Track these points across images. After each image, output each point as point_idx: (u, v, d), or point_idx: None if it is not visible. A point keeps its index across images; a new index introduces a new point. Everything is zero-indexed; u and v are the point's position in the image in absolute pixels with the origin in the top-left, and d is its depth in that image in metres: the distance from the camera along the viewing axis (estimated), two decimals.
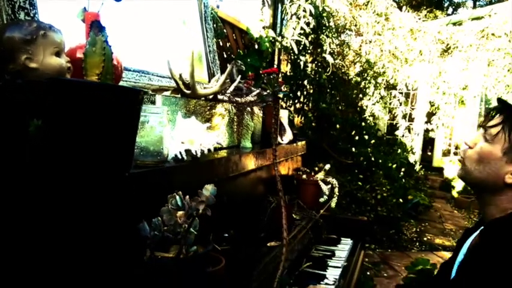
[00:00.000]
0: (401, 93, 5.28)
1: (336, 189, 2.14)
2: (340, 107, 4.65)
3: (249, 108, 1.78)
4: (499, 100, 1.12)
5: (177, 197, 0.78)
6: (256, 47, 2.64)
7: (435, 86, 4.81)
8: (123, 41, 1.46)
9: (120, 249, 0.81)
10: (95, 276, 0.76)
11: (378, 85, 4.67)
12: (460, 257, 1.17)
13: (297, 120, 3.69)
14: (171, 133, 1.17)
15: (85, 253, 0.75)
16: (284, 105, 3.21)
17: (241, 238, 1.44)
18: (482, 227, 1.06)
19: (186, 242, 0.83)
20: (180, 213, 0.78)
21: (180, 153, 1.13)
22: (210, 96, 1.49)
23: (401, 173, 4.85)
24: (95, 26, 0.76)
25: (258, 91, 1.97)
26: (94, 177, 0.75)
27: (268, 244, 1.48)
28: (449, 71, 4.83)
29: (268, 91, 1.91)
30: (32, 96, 0.76)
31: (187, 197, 0.80)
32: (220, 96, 1.60)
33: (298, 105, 3.43)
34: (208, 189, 0.82)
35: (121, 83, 1.32)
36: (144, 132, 1.02)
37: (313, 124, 3.80)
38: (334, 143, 4.36)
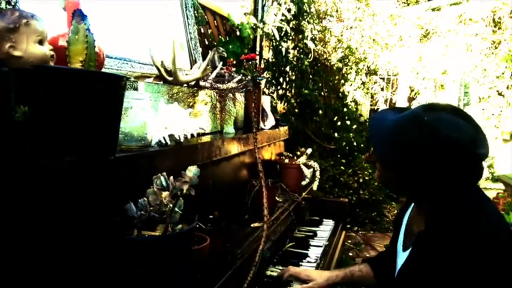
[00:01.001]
0: (383, 78, 5.36)
1: (317, 173, 2.21)
2: (322, 93, 4.71)
3: (231, 95, 1.82)
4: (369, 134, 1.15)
5: (162, 178, 0.82)
6: (238, 33, 2.66)
7: (415, 71, 4.90)
8: (105, 28, 1.47)
9: (108, 229, 0.85)
10: (83, 256, 0.80)
11: (359, 71, 4.74)
12: (400, 246, 1.25)
13: (280, 106, 3.74)
14: (154, 118, 1.20)
15: (73, 234, 0.78)
16: (267, 91, 3.25)
17: (226, 219, 1.50)
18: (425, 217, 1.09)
19: (171, 220, 0.88)
20: (165, 193, 0.82)
21: (164, 138, 1.17)
22: (192, 83, 1.52)
23: None
24: (77, 15, 0.79)
25: (239, 77, 2.00)
26: (80, 161, 0.79)
27: (252, 225, 1.54)
28: (429, 56, 4.92)
29: (248, 77, 1.95)
30: (18, 83, 0.78)
31: (172, 177, 0.84)
32: (202, 83, 1.63)
33: (280, 92, 3.47)
34: (192, 170, 0.87)
35: (103, 70, 1.34)
36: (128, 118, 1.06)
37: (296, 110, 3.86)
38: (317, 129, 4.43)
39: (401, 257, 1.21)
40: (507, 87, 5.06)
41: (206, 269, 1.09)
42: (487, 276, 0.93)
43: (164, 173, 0.84)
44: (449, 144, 0.92)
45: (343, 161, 4.59)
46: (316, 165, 2.20)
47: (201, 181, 1.40)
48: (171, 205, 0.85)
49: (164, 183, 0.82)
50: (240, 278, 1.15)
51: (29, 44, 0.92)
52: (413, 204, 1.27)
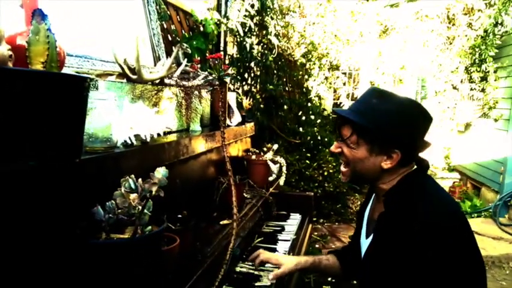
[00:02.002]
0: (345, 73, 5.49)
1: (284, 168, 2.25)
2: (287, 88, 4.76)
3: (196, 92, 1.80)
4: (334, 112, 1.27)
5: (130, 180, 0.81)
6: (202, 29, 2.63)
7: (375, 66, 5.05)
8: (65, 25, 1.42)
9: (70, 233, 0.82)
10: (44, 261, 0.77)
11: (322, 66, 4.82)
12: (363, 234, 1.35)
13: (246, 102, 3.75)
14: (119, 118, 1.18)
15: (34, 240, 0.76)
16: (232, 87, 3.25)
17: (195, 218, 1.49)
18: (383, 198, 1.21)
19: (140, 222, 0.87)
20: (133, 195, 0.81)
21: (130, 138, 1.15)
22: (157, 81, 1.50)
23: None
24: (37, 14, 0.75)
25: (204, 74, 1.99)
26: (43, 164, 0.76)
27: (221, 222, 1.55)
28: (388, 51, 5.09)
29: (214, 75, 1.94)
30: None
31: (140, 179, 0.83)
32: (167, 81, 1.61)
33: (246, 87, 3.48)
34: (160, 172, 0.86)
35: (64, 69, 1.29)
36: (92, 118, 1.03)
37: (261, 106, 3.88)
38: (282, 124, 4.48)
39: (365, 244, 1.29)
40: (461, 81, 5.32)
41: (176, 269, 1.08)
42: (444, 251, 1.02)
43: (132, 176, 0.82)
44: (428, 119, 1.19)
45: (308, 155, 4.67)
46: (282, 160, 2.23)
47: (169, 181, 1.39)
48: (140, 207, 0.84)
49: (133, 186, 0.81)
50: (210, 276, 1.16)
51: None
52: (373, 196, 1.36)
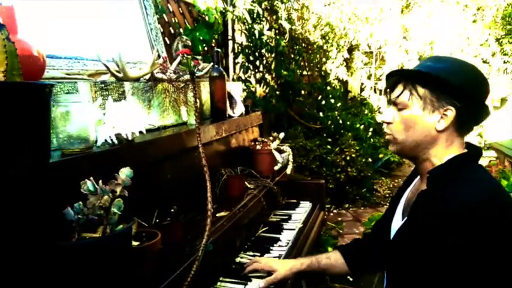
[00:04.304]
0: (366, 53, 5.31)
1: (290, 157, 2.22)
2: (305, 72, 4.67)
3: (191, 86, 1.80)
4: (390, 73, 1.21)
5: (88, 182, 0.82)
6: (207, 19, 2.62)
7: (397, 44, 4.85)
8: (54, 28, 1.45)
9: (45, 234, 0.85)
10: (21, 263, 0.81)
11: (340, 47, 4.68)
12: (398, 216, 1.27)
13: (260, 90, 3.71)
14: (102, 118, 1.20)
15: (9, 244, 0.79)
16: (243, 76, 3.23)
17: (194, 211, 1.52)
18: (428, 175, 1.13)
19: (109, 222, 0.89)
20: (93, 197, 0.82)
21: (110, 137, 1.17)
22: (147, 77, 1.51)
23: (370, 133, 4.97)
24: None
25: (209, 67, 1.99)
26: (5, 170, 0.79)
27: (217, 214, 1.56)
28: (411, 28, 4.87)
29: (208, 68, 1.93)
30: None
31: (100, 181, 0.84)
32: (160, 75, 1.62)
33: (258, 76, 3.44)
34: (124, 172, 0.87)
35: (52, 72, 1.33)
36: (67, 121, 1.05)
37: (277, 92, 3.84)
38: (300, 109, 4.42)
39: (398, 224, 1.23)
40: (492, 55, 5.02)
41: (159, 265, 1.10)
42: (484, 238, 0.96)
43: (91, 178, 0.84)
44: (487, 82, 1.15)
45: (329, 139, 4.60)
46: (289, 149, 2.21)
47: (160, 176, 1.41)
48: (106, 207, 0.86)
49: (91, 188, 0.82)
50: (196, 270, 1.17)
51: None
52: (417, 178, 1.29)
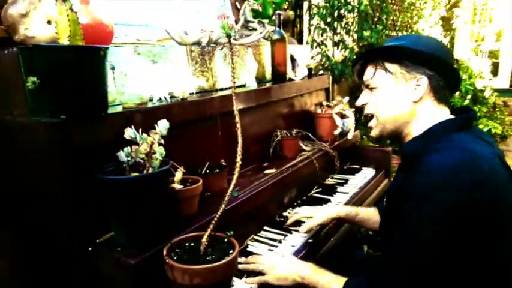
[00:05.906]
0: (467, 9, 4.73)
1: (352, 121, 2.21)
2: (395, 33, 4.37)
3: (250, 49, 1.90)
4: (357, 58, 1.26)
5: (130, 130, 1.00)
6: None
7: None
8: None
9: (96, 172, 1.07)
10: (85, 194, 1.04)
11: (436, 4, 4.25)
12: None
13: (342, 53, 3.61)
14: (156, 79, 1.38)
15: (68, 176, 1.03)
16: (317, 39, 3.19)
17: (248, 166, 1.67)
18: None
19: (150, 165, 1.07)
20: (135, 146, 1.00)
21: (165, 96, 1.34)
22: (204, 41, 1.65)
23: (467, 101, 4.51)
24: None
25: (267, 30, 2.06)
26: (73, 118, 1.01)
27: (265, 172, 1.68)
28: None
29: (270, 30, 1.99)
30: (24, 59, 1.02)
31: (140, 130, 1.02)
32: (222, 40, 1.75)
33: (337, 38, 3.35)
34: (161, 124, 1.03)
35: (123, 39, 1.54)
36: (127, 79, 1.25)
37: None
38: None
39: None
40: None
41: (201, 206, 1.28)
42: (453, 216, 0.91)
43: (133, 126, 1.01)
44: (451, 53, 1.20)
45: None
46: (351, 114, 2.19)
47: (214, 132, 1.55)
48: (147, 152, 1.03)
49: (132, 135, 1.00)
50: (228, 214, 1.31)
51: (39, 26, 1.14)
52: None
